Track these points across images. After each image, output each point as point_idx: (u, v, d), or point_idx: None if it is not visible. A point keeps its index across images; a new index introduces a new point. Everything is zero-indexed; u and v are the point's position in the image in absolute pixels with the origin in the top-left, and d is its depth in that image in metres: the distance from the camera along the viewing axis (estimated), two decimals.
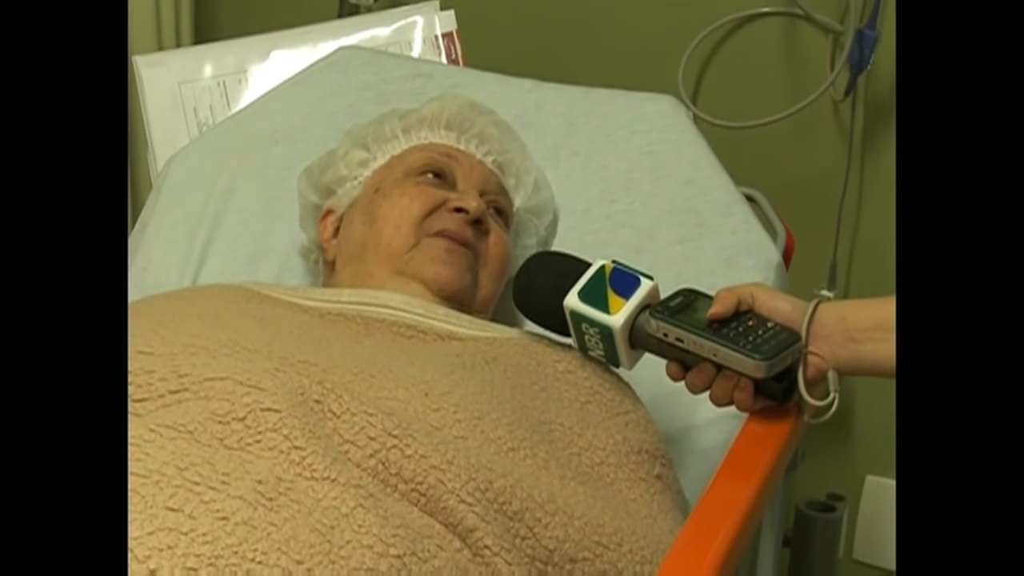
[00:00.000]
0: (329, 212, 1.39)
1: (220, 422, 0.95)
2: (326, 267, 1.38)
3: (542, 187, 1.44)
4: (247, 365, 1.01)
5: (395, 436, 0.97)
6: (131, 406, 1.00)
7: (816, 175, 1.81)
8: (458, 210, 1.29)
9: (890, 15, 1.69)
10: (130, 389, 1.00)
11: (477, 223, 1.30)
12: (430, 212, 1.29)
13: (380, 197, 1.33)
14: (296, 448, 0.93)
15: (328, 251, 1.37)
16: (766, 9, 1.80)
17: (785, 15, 1.78)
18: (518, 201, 1.41)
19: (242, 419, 0.95)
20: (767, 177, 1.65)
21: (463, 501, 0.96)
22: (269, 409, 0.95)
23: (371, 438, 0.97)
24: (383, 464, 0.96)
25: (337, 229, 1.37)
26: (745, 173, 1.53)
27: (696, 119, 1.64)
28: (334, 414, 0.98)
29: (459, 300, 1.28)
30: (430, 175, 1.34)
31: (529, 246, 1.41)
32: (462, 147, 1.38)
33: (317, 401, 0.98)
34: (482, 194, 1.33)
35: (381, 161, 1.38)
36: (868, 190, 1.79)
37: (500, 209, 1.36)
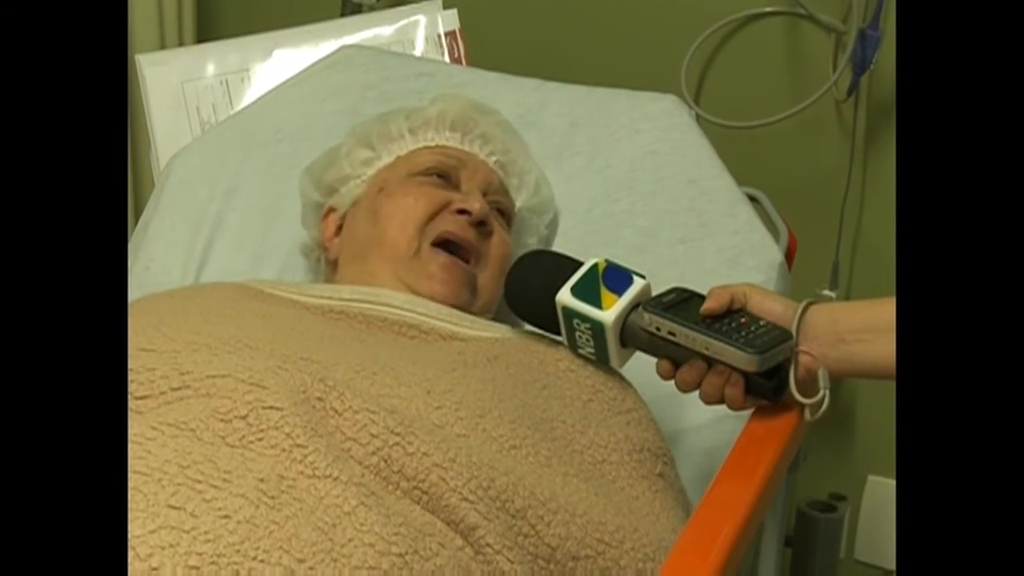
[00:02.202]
0: (331, 211, 1.39)
1: (222, 420, 0.95)
2: (328, 266, 1.38)
3: (543, 186, 1.44)
4: (249, 363, 1.01)
5: (397, 434, 0.97)
6: (133, 403, 1.00)
7: (818, 175, 1.81)
8: (461, 212, 1.29)
9: (893, 15, 1.69)
10: (132, 386, 1.00)
11: (480, 224, 1.30)
12: (434, 214, 1.30)
13: (384, 196, 1.33)
14: (298, 446, 0.93)
15: (330, 250, 1.37)
16: (769, 9, 1.80)
17: (788, 15, 1.78)
18: (520, 201, 1.41)
19: (244, 417, 0.95)
20: (769, 177, 1.65)
21: (465, 499, 0.96)
22: (271, 407, 0.95)
23: (373, 435, 0.97)
24: (385, 462, 0.96)
25: (339, 228, 1.37)
26: (747, 173, 1.53)
27: (699, 119, 1.64)
28: (336, 412, 0.98)
29: (458, 307, 1.27)
30: (435, 176, 1.34)
31: (530, 244, 1.41)
32: (466, 148, 1.38)
33: (319, 399, 0.98)
34: (485, 194, 1.33)
35: (386, 160, 1.38)
36: (870, 190, 1.79)
37: (502, 210, 1.37)
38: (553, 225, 1.47)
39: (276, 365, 1.00)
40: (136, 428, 0.94)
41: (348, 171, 1.38)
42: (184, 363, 1.02)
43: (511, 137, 1.43)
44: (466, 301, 1.28)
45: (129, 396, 1.00)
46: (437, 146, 1.38)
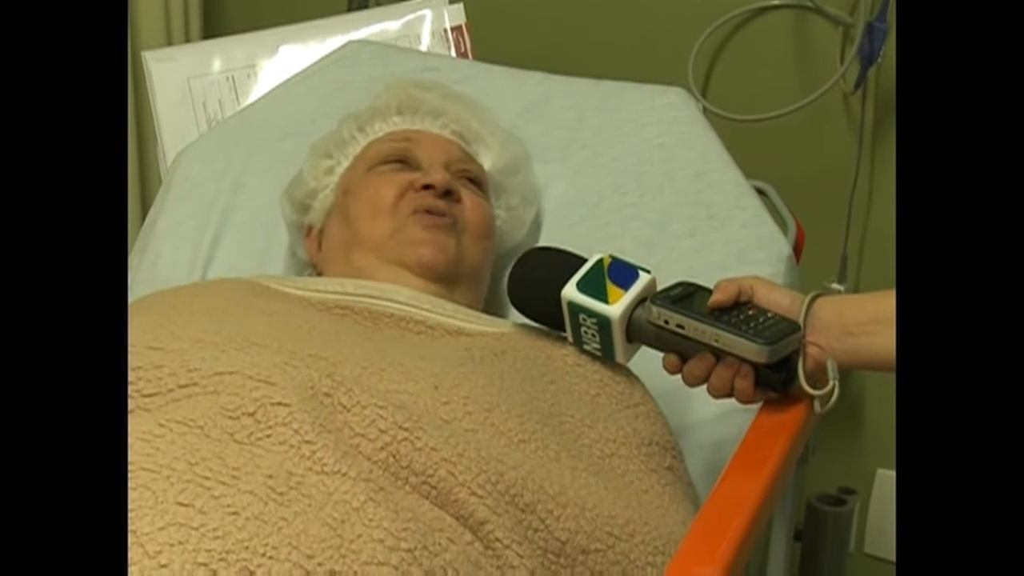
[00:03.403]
0: (310, 228, 1.40)
1: (230, 417, 0.95)
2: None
3: (509, 145, 1.44)
4: (256, 359, 1.01)
5: (406, 429, 0.97)
6: (140, 401, 0.99)
7: (826, 168, 1.81)
8: (426, 187, 1.30)
9: None
10: (139, 384, 1.00)
11: (448, 194, 1.30)
12: (399, 196, 1.30)
13: (349, 197, 1.34)
14: (306, 442, 0.93)
15: (318, 265, 1.38)
16: (776, 2, 1.80)
17: (795, 8, 1.78)
18: (488, 163, 1.41)
19: (252, 414, 0.95)
20: (777, 170, 1.64)
21: (474, 494, 0.96)
22: (279, 403, 0.95)
23: (382, 431, 0.97)
24: (394, 457, 0.96)
25: (321, 243, 1.38)
26: (755, 166, 1.52)
27: (706, 112, 1.63)
28: (344, 407, 0.98)
29: (447, 276, 1.28)
30: (393, 163, 1.34)
31: (514, 207, 1.42)
32: (418, 127, 1.39)
33: (327, 395, 0.98)
34: (447, 166, 1.34)
35: (345, 164, 1.40)
36: (878, 183, 1.79)
37: (471, 177, 1.37)
38: (534, 189, 1.46)
39: (284, 361, 1.00)
40: (144, 426, 0.94)
41: (314, 184, 1.40)
42: (191, 360, 1.02)
43: (462, 105, 1.43)
44: (453, 257, 1.28)
45: (137, 394, 1.00)
46: (387, 134, 1.39)
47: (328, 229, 1.37)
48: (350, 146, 1.41)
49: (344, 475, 0.91)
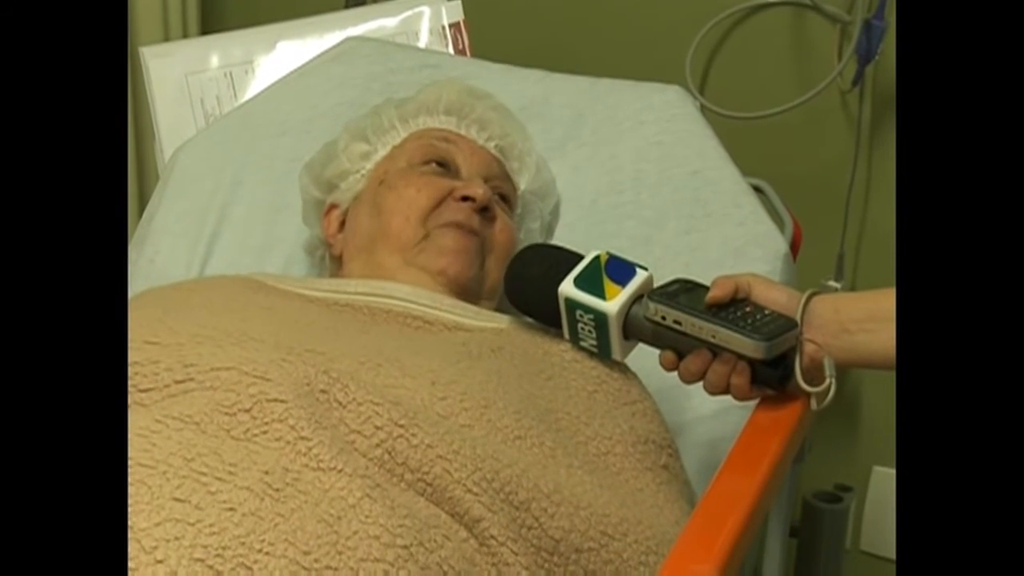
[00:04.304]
0: (333, 207, 1.39)
1: (226, 413, 0.95)
2: (333, 261, 1.39)
3: (543, 168, 1.44)
4: (253, 355, 1.01)
5: (401, 426, 0.97)
6: (137, 396, 1.00)
7: (823, 165, 1.81)
8: (465, 198, 1.29)
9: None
10: (136, 379, 1.00)
11: (484, 210, 1.30)
12: (438, 203, 1.29)
13: (385, 189, 1.33)
14: (302, 439, 0.93)
15: (334, 246, 1.37)
16: None
17: (792, 5, 1.78)
18: (523, 184, 1.41)
19: (248, 410, 0.95)
20: (774, 168, 1.64)
21: (469, 491, 0.96)
22: (275, 400, 0.95)
23: (377, 427, 0.97)
24: (389, 454, 0.96)
25: (342, 223, 1.37)
26: (752, 164, 1.52)
27: (703, 110, 1.63)
28: (340, 404, 0.98)
29: (468, 291, 1.28)
30: (434, 165, 1.34)
31: (533, 230, 1.42)
32: (462, 132, 1.38)
33: (323, 391, 0.98)
34: (486, 180, 1.33)
35: (382, 152, 1.38)
36: (876, 180, 1.79)
37: (504, 195, 1.36)
38: (555, 212, 1.47)
39: (280, 357, 1.00)
40: (141, 421, 0.94)
41: (347, 166, 1.38)
42: (188, 355, 1.02)
43: (508, 120, 1.42)
44: (477, 275, 1.28)
45: (134, 389, 1.00)
46: (428, 129, 1.38)
47: (355, 214, 1.36)
48: (390, 135, 1.39)
49: (340, 471, 0.91)
